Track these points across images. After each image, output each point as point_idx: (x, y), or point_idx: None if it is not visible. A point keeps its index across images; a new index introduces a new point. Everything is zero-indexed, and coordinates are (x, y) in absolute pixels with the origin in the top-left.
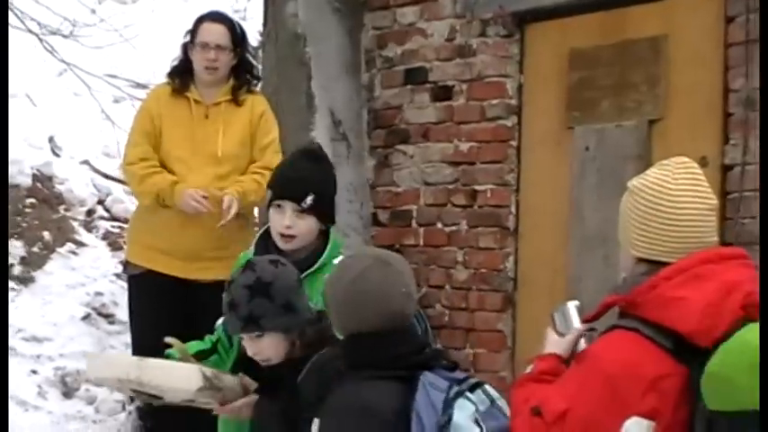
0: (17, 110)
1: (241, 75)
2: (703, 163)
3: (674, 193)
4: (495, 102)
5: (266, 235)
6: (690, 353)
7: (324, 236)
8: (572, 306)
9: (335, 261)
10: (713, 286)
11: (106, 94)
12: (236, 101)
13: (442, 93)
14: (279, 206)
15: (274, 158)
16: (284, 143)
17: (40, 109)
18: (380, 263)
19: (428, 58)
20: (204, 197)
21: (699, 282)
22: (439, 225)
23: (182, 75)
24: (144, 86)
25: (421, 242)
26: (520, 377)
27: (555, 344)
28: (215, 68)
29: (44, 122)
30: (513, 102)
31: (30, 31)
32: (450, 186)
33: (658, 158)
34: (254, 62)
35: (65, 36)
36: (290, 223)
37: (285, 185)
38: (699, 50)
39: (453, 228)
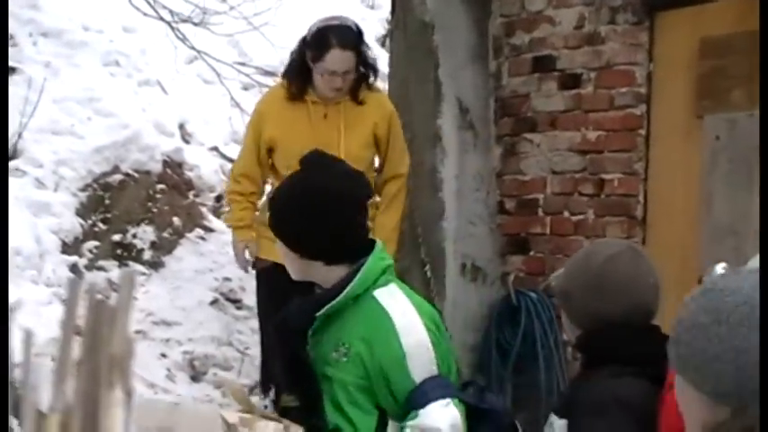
0: (149, 97)
1: (360, 75)
2: None
3: None
4: (623, 90)
5: None
6: None
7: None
8: (719, 269)
9: (377, 293)
10: None
11: (235, 81)
12: (355, 99)
13: (571, 81)
14: None
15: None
16: (412, 132)
17: (170, 96)
18: (632, 250)
19: (556, 46)
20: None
21: None
22: (566, 214)
23: (298, 78)
24: (273, 74)
25: (547, 231)
26: None
27: None
28: (339, 89)
29: (174, 109)
30: (642, 90)
31: (161, 19)
32: (578, 175)
33: None
34: (374, 58)
35: (195, 24)
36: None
37: None
38: None
39: (580, 217)
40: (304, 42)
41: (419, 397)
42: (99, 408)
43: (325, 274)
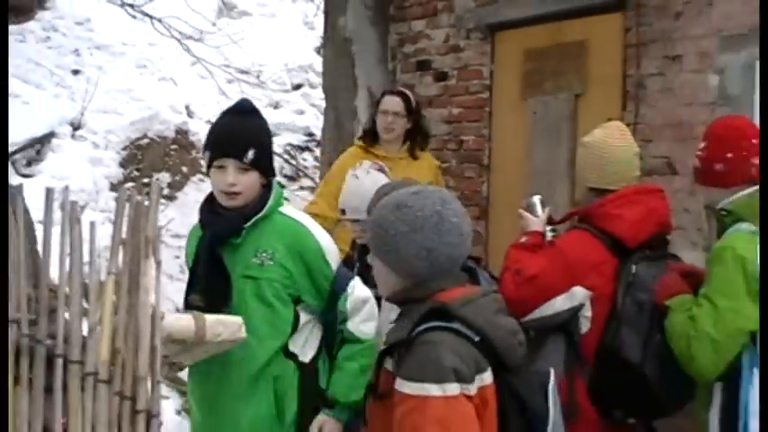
0: (165, 88)
1: (415, 136)
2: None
3: (613, 144)
4: (475, 82)
5: (211, 197)
6: (621, 250)
7: (266, 189)
8: (537, 199)
9: (282, 209)
10: (640, 209)
11: (222, 77)
12: (413, 156)
13: (441, 76)
14: (220, 166)
15: None
16: (338, 109)
17: (180, 88)
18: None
19: (432, 54)
20: None
21: (632, 205)
22: (438, 162)
23: (370, 135)
24: (247, 72)
25: None
26: (515, 243)
27: (536, 224)
28: (392, 129)
29: (182, 96)
30: (487, 82)
31: (173, 37)
32: (446, 137)
33: (582, 120)
34: (427, 127)
35: (195, 39)
36: (233, 180)
37: (224, 144)
38: (607, 50)
39: (447, 164)
40: (375, 107)
41: (342, 280)
42: (139, 272)
43: (258, 189)
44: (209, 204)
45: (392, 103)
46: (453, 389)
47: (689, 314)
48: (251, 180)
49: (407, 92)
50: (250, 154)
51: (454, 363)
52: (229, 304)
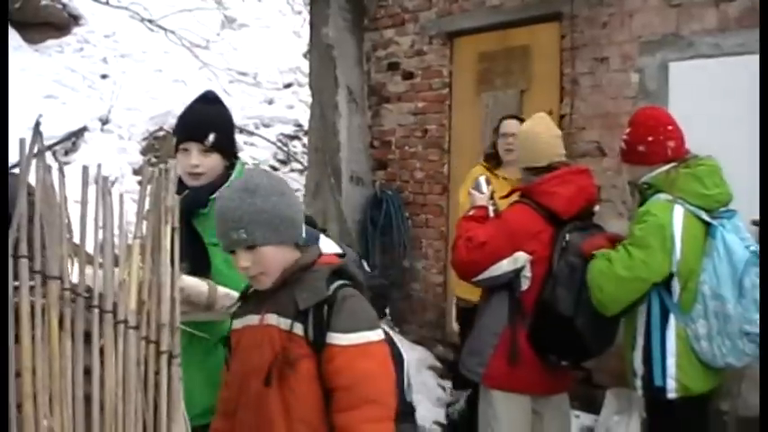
0: (178, 89)
1: None
2: (550, 113)
3: (537, 130)
4: (437, 80)
5: (180, 178)
6: (556, 221)
7: (229, 169)
8: (482, 179)
9: None
10: (573, 187)
11: (225, 79)
12: None
13: (408, 75)
14: (185, 149)
15: None
16: (323, 103)
17: (190, 88)
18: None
19: (400, 57)
20: None
21: (566, 184)
22: (407, 147)
23: (493, 159)
24: (246, 74)
25: (397, 157)
26: (465, 215)
27: (481, 200)
28: (511, 150)
29: (192, 95)
30: (447, 80)
31: (183, 45)
32: (413, 126)
33: (527, 112)
34: None
35: (203, 47)
36: (196, 162)
37: (188, 129)
38: (547, 53)
39: (414, 149)
40: (494, 134)
41: (309, 238)
42: (160, 236)
43: (221, 170)
44: (179, 184)
45: (512, 125)
46: (381, 332)
47: (607, 257)
48: (213, 162)
49: (521, 117)
50: (211, 138)
51: (373, 311)
52: (210, 268)
